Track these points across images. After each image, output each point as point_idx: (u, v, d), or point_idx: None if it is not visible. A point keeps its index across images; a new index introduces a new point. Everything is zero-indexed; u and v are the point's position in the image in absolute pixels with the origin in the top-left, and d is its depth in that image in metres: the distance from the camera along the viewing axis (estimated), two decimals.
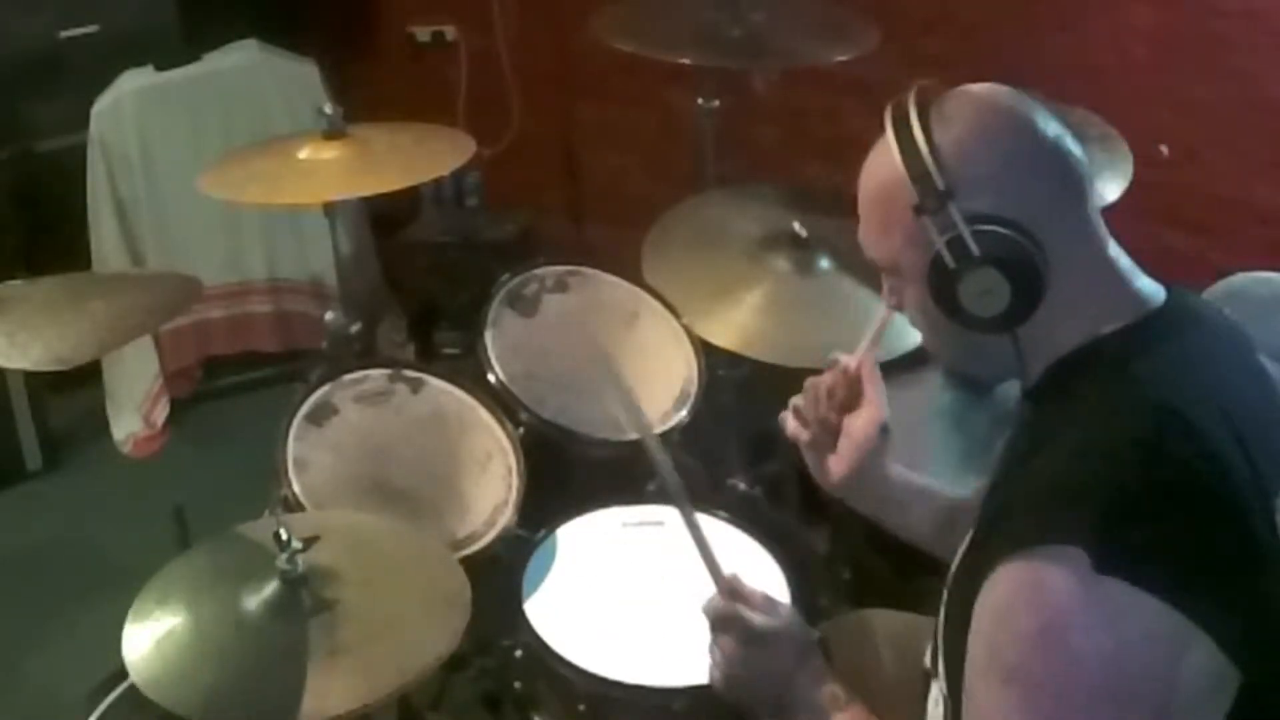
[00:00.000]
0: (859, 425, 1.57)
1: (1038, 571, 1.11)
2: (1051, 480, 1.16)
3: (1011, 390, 1.33)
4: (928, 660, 1.36)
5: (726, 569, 1.49)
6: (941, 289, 1.24)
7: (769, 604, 1.46)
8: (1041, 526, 1.12)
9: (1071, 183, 1.24)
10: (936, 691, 1.31)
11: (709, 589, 1.78)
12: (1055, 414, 1.23)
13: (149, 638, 1.55)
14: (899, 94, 1.27)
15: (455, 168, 2.28)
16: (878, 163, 1.29)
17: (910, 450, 1.25)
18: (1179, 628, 1.08)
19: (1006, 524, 1.17)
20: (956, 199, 1.21)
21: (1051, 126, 1.25)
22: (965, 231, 1.21)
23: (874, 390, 1.57)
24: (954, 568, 1.31)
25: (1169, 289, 1.28)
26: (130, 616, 1.59)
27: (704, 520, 1.97)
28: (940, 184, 1.21)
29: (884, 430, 1.56)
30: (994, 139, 1.23)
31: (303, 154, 2.21)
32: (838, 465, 1.59)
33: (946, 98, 1.27)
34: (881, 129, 1.29)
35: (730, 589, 1.47)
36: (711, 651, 1.45)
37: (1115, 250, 1.27)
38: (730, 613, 1.43)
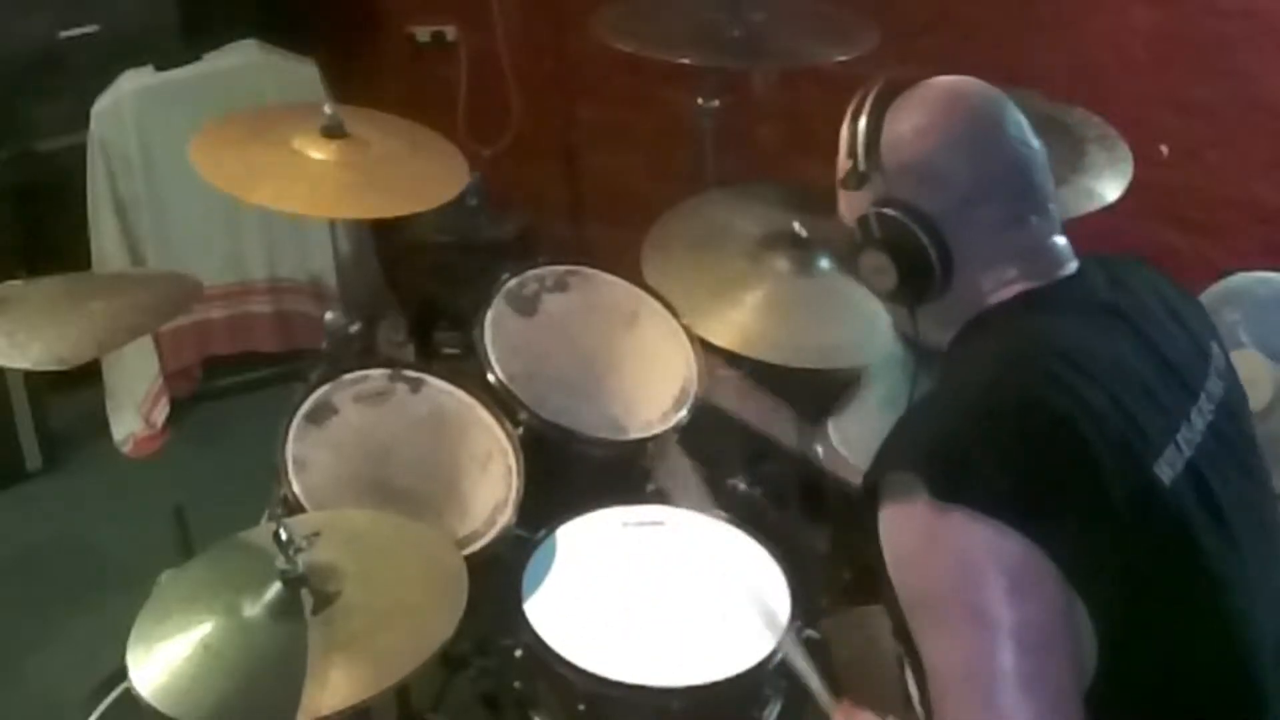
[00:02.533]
0: None
1: (895, 503, 1.19)
2: (901, 422, 1.26)
3: None
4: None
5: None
6: (851, 258, 1.36)
7: None
8: (882, 461, 1.22)
9: (1007, 186, 1.30)
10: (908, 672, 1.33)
11: (708, 589, 1.79)
12: (943, 374, 1.33)
13: (153, 653, 1.56)
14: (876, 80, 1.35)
15: (451, 197, 2.27)
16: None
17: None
18: (1026, 549, 1.11)
19: (876, 459, 1.24)
20: (880, 181, 1.30)
21: (1005, 130, 1.31)
22: (871, 212, 1.32)
23: None
24: None
25: (1081, 262, 1.34)
26: (133, 635, 1.59)
27: (704, 520, 1.98)
28: (861, 165, 1.31)
29: None
30: (930, 133, 1.30)
31: (298, 146, 2.19)
32: None
33: (916, 87, 1.33)
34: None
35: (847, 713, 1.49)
36: None
37: (1049, 243, 1.32)
38: None
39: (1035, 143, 1.33)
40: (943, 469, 1.15)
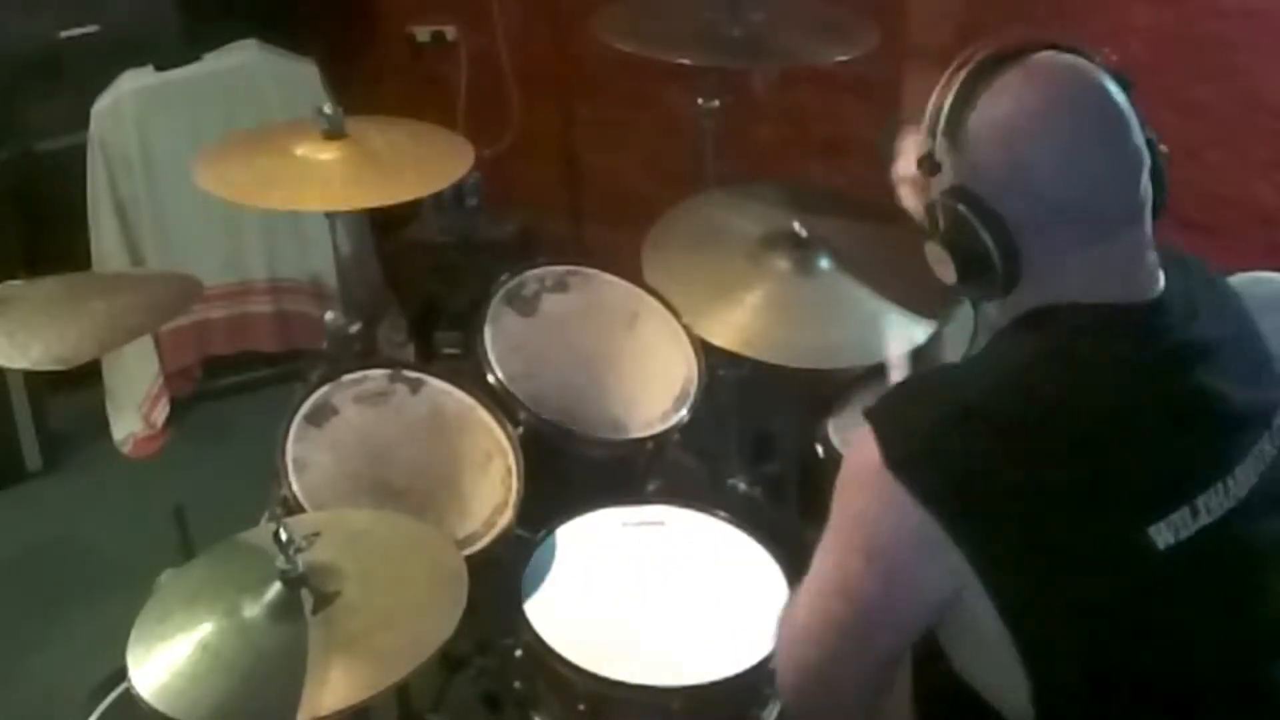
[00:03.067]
0: None
1: (861, 436, 1.21)
2: (911, 379, 1.33)
3: None
4: None
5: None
6: (923, 238, 1.30)
7: None
8: (881, 410, 1.23)
9: (1096, 197, 1.19)
10: None
11: (708, 589, 1.79)
12: (985, 349, 1.30)
13: (153, 653, 1.56)
14: (1000, 40, 1.24)
15: (456, 179, 2.26)
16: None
17: None
18: (950, 553, 1.14)
19: (876, 403, 1.27)
20: (958, 168, 1.21)
21: (1105, 129, 1.20)
22: (939, 202, 1.23)
23: None
24: None
25: (1166, 287, 1.25)
26: (133, 635, 1.59)
27: (704, 520, 1.98)
28: (938, 150, 1.23)
29: None
30: (1021, 131, 1.18)
31: (301, 152, 2.20)
32: None
33: (1020, 64, 1.22)
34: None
35: None
36: None
37: (1135, 255, 1.23)
38: None
39: (1138, 142, 1.22)
40: (900, 444, 1.18)
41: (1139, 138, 1.22)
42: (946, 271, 1.25)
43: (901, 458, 1.16)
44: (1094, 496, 1.15)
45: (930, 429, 1.18)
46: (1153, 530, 1.15)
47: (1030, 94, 1.19)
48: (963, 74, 1.22)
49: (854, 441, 1.26)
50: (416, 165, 2.27)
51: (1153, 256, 1.25)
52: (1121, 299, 1.22)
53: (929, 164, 1.23)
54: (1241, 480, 1.20)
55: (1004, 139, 1.18)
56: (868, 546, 1.21)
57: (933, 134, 1.23)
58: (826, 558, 1.27)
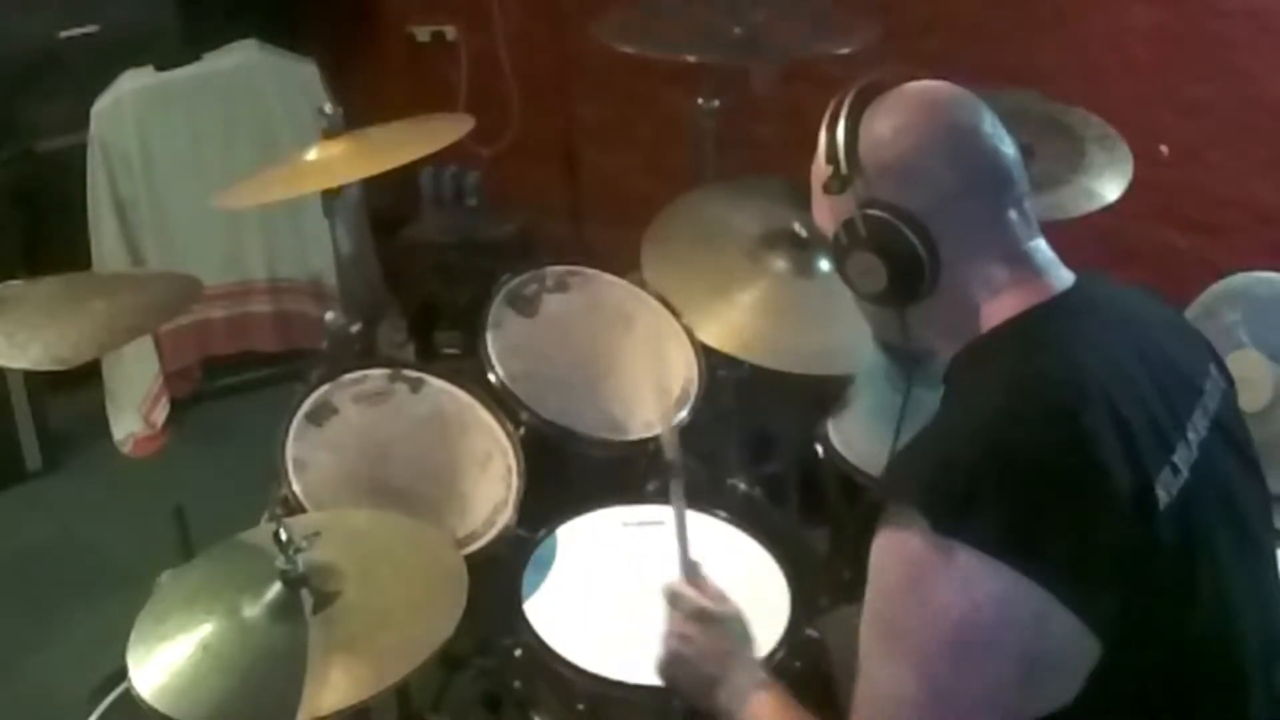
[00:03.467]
0: None
1: (891, 531, 1.19)
2: (909, 446, 1.26)
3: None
4: None
5: (693, 556, 1.57)
6: (837, 262, 1.37)
7: (720, 596, 1.53)
8: (885, 489, 1.23)
9: (986, 181, 1.31)
10: None
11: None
12: (949, 396, 1.31)
13: (153, 653, 1.56)
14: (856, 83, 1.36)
15: (453, 140, 2.25)
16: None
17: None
18: (1030, 593, 1.12)
19: (879, 488, 1.26)
20: (861, 184, 1.31)
21: (980, 127, 1.32)
22: (856, 214, 1.31)
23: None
24: None
25: (1079, 277, 1.33)
26: (133, 635, 1.59)
27: (704, 520, 1.98)
28: (843, 168, 1.32)
29: None
30: (909, 133, 1.31)
31: (302, 154, 2.21)
32: None
33: (890, 92, 1.35)
34: None
35: (691, 575, 1.55)
36: (665, 632, 1.50)
37: (1031, 244, 1.32)
38: (685, 592, 1.51)
39: (1010, 143, 1.34)
40: (944, 503, 1.15)
41: (1008, 140, 1.33)
42: (874, 279, 1.32)
43: (948, 515, 1.14)
44: (1121, 480, 1.17)
45: (962, 481, 1.16)
46: (1157, 491, 1.20)
47: (910, 105, 1.33)
48: (847, 102, 1.34)
49: (882, 546, 1.20)
50: (415, 138, 2.26)
51: (1046, 247, 1.34)
52: (1041, 296, 1.30)
53: (837, 183, 1.33)
54: (1191, 436, 1.27)
55: (891, 145, 1.31)
56: (958, 641, 1.15)
57: (832, 159, 1.33)
58: (899, 672, 1.18)
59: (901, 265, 1.30)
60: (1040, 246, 1.33)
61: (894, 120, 1.31)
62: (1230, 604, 1.25)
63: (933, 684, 1.16)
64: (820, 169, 1.36)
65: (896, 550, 1.19)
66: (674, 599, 1.51)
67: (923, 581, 1.16)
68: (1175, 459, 1.23)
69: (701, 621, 1.47)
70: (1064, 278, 1.33)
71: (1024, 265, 1.31)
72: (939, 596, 1.15)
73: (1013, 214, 1.31)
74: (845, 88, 1.36)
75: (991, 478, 1.16)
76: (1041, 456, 1.17)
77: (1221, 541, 1.26)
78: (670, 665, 1.48)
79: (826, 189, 1.34)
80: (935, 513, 1.14)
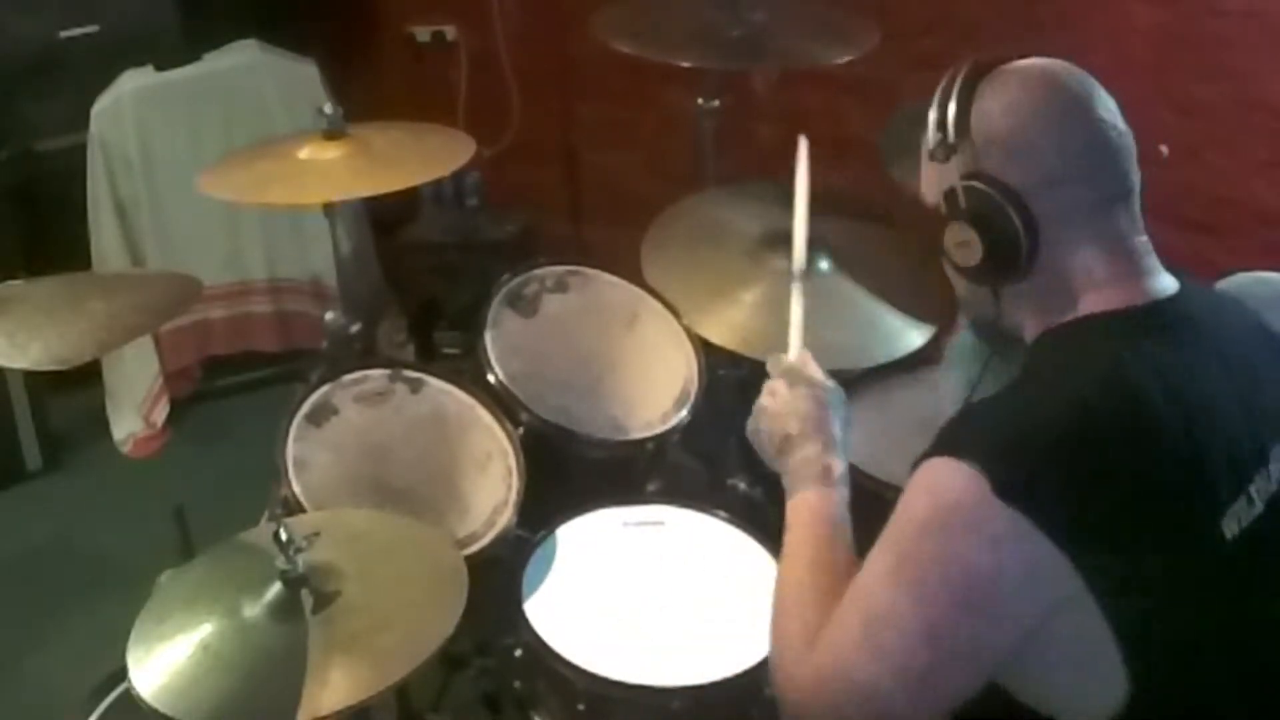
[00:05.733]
0: None
1: (943, 471, 1.18)
2: (984, 406, 1.25)
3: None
4: None
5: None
6: (937, 232, 1.35)
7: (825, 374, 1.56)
8: (951, 437, 1.22)
9: (1095, 168, 1.29)
10: None
11: (708, 589, 1.79)
12: (1031, 370, 1.30)
13: (153, 653, 1.55)
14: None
15: (456, 168, 2.27)
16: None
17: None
18: (1065, 577, 1.13)
19: (939, 434, 1.24)
20: (968, 155, 1.30)
21: (1094, 112, 1.31)
22: (959, 185, 1.30)
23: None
24: None
25: (1183, 286, 1.32)
26: (133, 635, 1.59)
27: (704, 520, 1.98)
28: (951, 137, 1.31)
29: None
30: (1021, 109, 1.29)
31: (303, 154, 2.21)
32: None
33: (1006, 65, 1.34)
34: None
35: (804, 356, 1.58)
36: (763, 397, 1.53)
37: (1136, 241, 1.31)
38: (792, 360, 1.56)
39: (1124, 128, 1.32)
40: (1011, 473, 1.14)
41: (1122, 124, 1.33)
42: (971, 252, 1.31)
43: (1018, 485, 1.14)
44: (1182, 499, 1.18)
45: (1036, 455, 1.16)
46: (1224, 522, 1.19)
47: (1025, 81, 1.32)
48: (962, 74, 1.33)
49: (923, 482, 1.20)
50: (417, 157, 2.27)
51: (1149, 247, 1.32)
52: (1140, 299, 1.28)
53: (943, 150, 1.32)
54: (1274, 468, 1.25)
55: (1001, 119, 1.30)
56: (967, 594, 1.16)
57: (941, 128, 1.32)
58: (899, 597, 1.19)
59: (999, 241, 1.29)
60: (1144, 245, 1.31)
61: (1008, 95, 1.30)
62: None
63: (925, 619, 1.17)
64: (930, 136, 1.35)
65: (941, 491, 1.18)
66: (775, 361, 1.54)
67: (955, 525, 1.16)
68: (1252, 490, 1.21)
69: (796, 382, 1.49)
70: (1166, 285, 1.31)
71: (1125, 261, 1.30)
72: (966, 545, 1.15)
73: (1119, 206, 1.30)
74: (960, 61, 1.35)
75: (1063, 463, 1.15)
76: (1114, 459, 1.16)
77: None
78: (754, 418, 1.50)
79: (932, 156, 1.33)
80: (1000, 478, 1.14)
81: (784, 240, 2.22)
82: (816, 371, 1.54)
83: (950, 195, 1.32)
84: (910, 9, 2.81)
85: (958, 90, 1.32)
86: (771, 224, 2.25)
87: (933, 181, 1.36)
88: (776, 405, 1.50)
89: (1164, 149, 2.67)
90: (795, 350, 1.59)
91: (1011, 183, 1.28)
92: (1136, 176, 1.32)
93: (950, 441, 1.21)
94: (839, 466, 1.44)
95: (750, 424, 1.51)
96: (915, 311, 2.10)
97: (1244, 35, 2.58)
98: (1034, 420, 1.19)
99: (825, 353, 1.88)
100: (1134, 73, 2.71)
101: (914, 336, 2.08)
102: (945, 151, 1.32)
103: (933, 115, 1.34)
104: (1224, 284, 2.37)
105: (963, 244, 1.32)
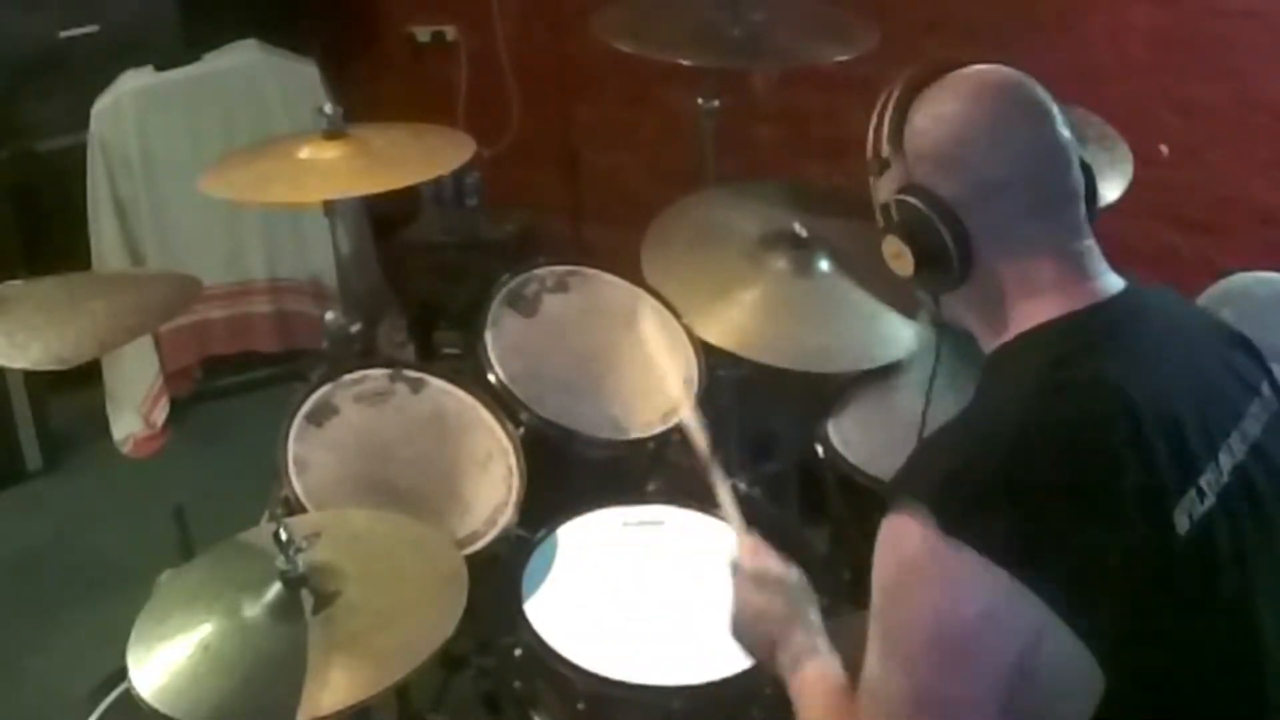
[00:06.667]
0: None
1: (897, 527, 1.18)
2: (930, 442, 1.25)
3: None
4: None
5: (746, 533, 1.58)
6: (880, 243, 1.35)
7: (777, 560, 1.54)
8: (899, 482, 1.21)
9: (1031, 174, 1.27)
10: None
11: (708, 589, 1.78)
12: (976, 397, 1.29)
13: (153, 653, 1.56)
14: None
15: (455, 167, 2.27)
16: None
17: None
18: (1028, 606, 1.12)
19: (894, 478, 1.24)
20: (901, 169, 1.31)
21: (1030, 118, 1.29)
22: (891, 200, 1.31)
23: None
24: None
25: (1129, 285, 1.30)
26: (133, 635, 1.59)
27: (704, 520, 1.98)
28: (883, 152, 1.32)
29: None
30: (950, 120, 1.28)
31: (303, 154, 2.21)
32: None
33: (946, 78, 1.32)
34: None
35: (746, 539, 1.56)
36: (735, 605, 1.52)
37: (1080, 245, 1.29)
38: (745, 561, 1.52)
39: (1065, 133, 1.30)
40: (953, 505, 1.14)
41: (1062, 129, 1.31)
42: (904, 264, 1.32)
43: (960, 517, 1.13)
44: (1137, 503, 1.17)
45: (976, 484, 1.16)
46: (1175, 517, 1.18)
47: (957, 92, 1.30)
48: (898, 88, 1.33)
49: (884, 540, 1.20)
50: (417, 157, 2.27)
51: (1096, 250, 1.31)
52: (1082, 303, 1.27)
53: (877, 165, 1.34)
54: (1224, 460, 1.24)
55: (930, 131, 1.29)
56: (941, 653, 1.16)
57: (877, 141, 1.34)
58: (891, 674, 1.19)
59: (929, 253, 1.29)
60: (1089, 249, 1.30)
61: (939, 106, 1.29)
62: (1257, 639, 1.22)
63: (916, 684, 1.17)
64: (869, 150, 1.36)
65: (897, 546, 1.19)
66: (734, 568, 1.53)
67: (914, 580, 1.17)
68: (1202, 482, 1.20)
69: (763, 586, 1.49)
70: (1111, 284, 1.29)
71: (1070, 267, 1.28)
72: (927, 596, 1.15)
73: (1061, 212, 1.29)
74: (900, 73, 1.35)
75: (1003, 487, 1.15)
76: (1055, 472, 1.16)
77: (1257, 570, 1.23)
78: (736, 628, 1.50)
79: (869, 170, 1.35)
80: (944, 513, 1.14)
81: (784, 240, 2.24)
82: (771, 560, 1.53)
83: (885, 209, 1.33)
84: (910, 9, 2.81)
85: (893, 104, 1.33)
86: (771, 224, 2.25)
87: (874, 193, 1.37)
88: (752, 614, 1.49)
89: (1164, 149, 2.68)
90: (739, 536, 1.57)
91: (944, 194, 1.27)
92: (1079, 180, 1.31)
93: (903, 484, 1.21)
94: (821, 640, 1.44)
95: (732, 630, 1.50)
96: (915, 312, 2.10)
97: (1244, 35, 2.58)
98: (971, 448, 1.20)
99: (825, 353, 1.90)
100: (1134, 73, 2.71)
101: (914, 337, 2.08)
102: (880, 166, 1.33)
103: (871, 130, 1.35)
104: (1224, 284, 2.37)
105: (895, 256, 1.33)
